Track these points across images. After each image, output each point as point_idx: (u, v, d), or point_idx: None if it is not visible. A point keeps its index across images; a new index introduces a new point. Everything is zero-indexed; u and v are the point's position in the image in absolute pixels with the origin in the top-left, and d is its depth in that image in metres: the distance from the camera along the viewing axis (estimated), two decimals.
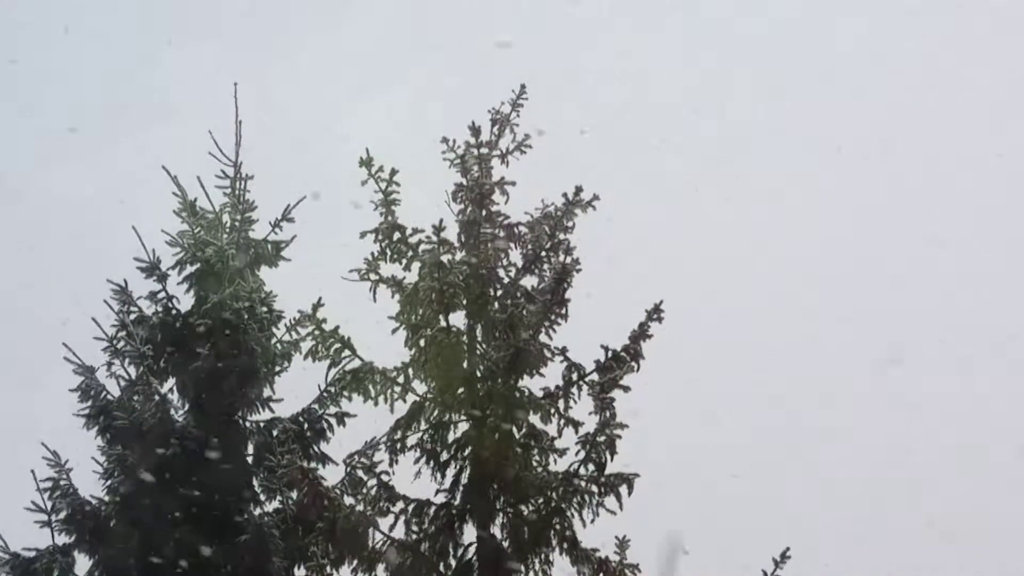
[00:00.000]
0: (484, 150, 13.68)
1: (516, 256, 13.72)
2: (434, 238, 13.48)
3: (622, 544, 13.36)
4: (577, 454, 13.34)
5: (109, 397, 14.73)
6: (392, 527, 13.37)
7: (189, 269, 14.98)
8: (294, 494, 14.24)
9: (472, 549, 13.41)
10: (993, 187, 24.78)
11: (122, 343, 14.76)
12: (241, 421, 15.00)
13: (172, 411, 14.67)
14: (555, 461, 13.46)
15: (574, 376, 13.38)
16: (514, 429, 13.40)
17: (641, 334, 13.35)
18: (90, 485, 14.57)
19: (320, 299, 13.94)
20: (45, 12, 28.45)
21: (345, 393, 14.58)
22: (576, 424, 13.37)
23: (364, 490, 13.39)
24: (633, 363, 13.30)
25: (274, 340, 15.06)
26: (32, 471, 14.34)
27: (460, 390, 13.47)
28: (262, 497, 14.85)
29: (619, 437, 13.22)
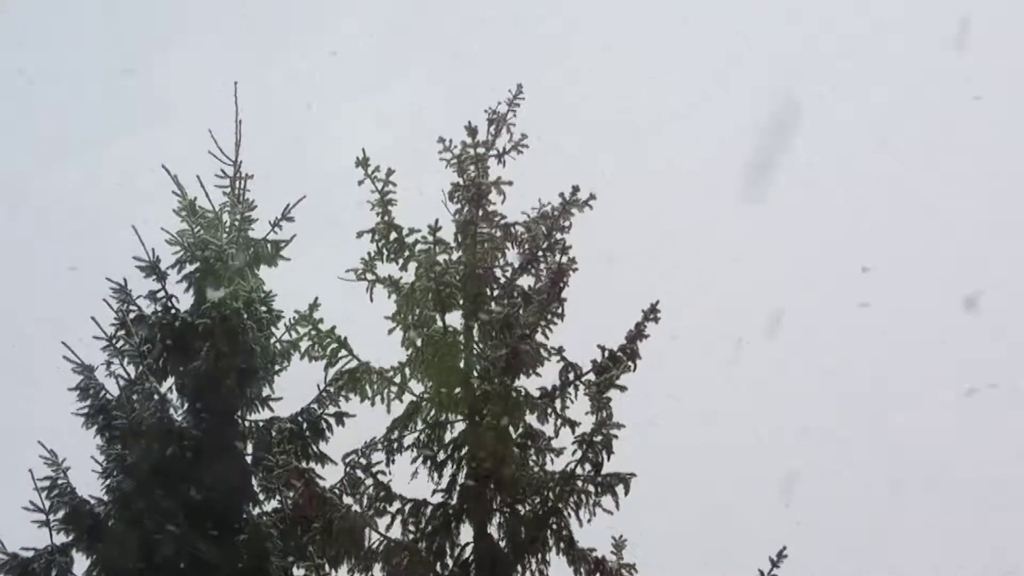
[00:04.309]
0: (481, 150, 13.67)
1: (513, 256, 13.74)
2: (430, 238, 13.51)
3: (619, 544, 13.38)
4: (574, 454, 13.34)
5: (108, 396, 14.75)
6: (389, 527, 13.38)
7: (188, 268, 14.99)
8: (292, 493, 14.24)
9: (469, 549, 13.42)
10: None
11: (121, 342, 14.77)
12: (240, 420, 15.01)
13: (171, 410, 14.68)
14: (552, 461, 13.46)
15: (571, 376, 13.37)
16: (511, 429, 13.39)
17: (638, 334, 13.35)
18: (89, 484, 14.61)
19: (316, 299, 13.96)
20: (45, 12, 28.51)
21: (343, 393, 14.58)
22: (573, 424, 13.36)
23: (362, 490, 13.41)
24: (630, 363, 13.30)
25: (273, 339, 15.07)
26: (30, 470, 14.36)
27: (457, 390, 13.47)
28: (261, 496, 14.87)
29: (616, 437, 13.22)
